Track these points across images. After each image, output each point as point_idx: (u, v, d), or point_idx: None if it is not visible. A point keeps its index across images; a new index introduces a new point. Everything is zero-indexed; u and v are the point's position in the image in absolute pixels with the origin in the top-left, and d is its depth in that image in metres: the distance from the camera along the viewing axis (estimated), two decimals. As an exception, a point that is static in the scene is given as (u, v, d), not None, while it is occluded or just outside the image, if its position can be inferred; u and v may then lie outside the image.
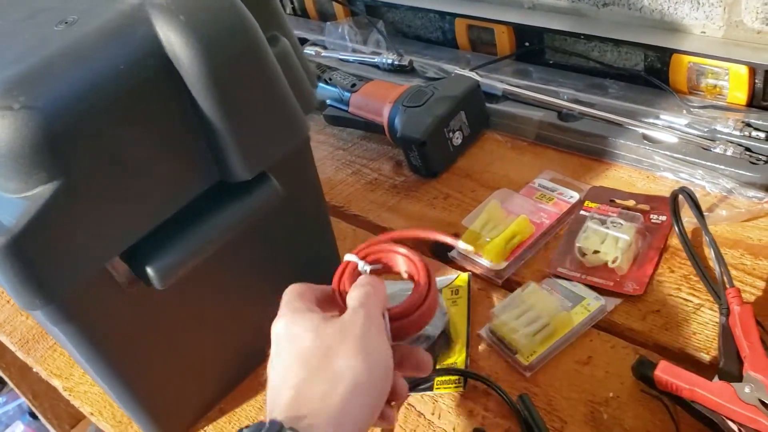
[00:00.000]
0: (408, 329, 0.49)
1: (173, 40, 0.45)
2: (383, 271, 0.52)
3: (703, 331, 0.57)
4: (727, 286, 0.56)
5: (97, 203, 0.45)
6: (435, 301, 0.50)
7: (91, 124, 0.44)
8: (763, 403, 0.48)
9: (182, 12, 0.45)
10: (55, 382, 0.70)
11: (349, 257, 0.51)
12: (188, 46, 0.45)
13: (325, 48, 1.06)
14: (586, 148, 0.76)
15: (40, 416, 1.56)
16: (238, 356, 0.63)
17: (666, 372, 0.51)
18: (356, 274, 0.50)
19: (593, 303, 0.61)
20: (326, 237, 0.66)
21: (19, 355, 0.76)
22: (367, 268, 0.50)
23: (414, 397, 0.59)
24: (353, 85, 0.86)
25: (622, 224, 0.65)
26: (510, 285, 0.65)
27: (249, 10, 0.48)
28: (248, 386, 0.64)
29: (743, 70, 0.72)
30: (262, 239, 0.59)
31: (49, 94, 0.43)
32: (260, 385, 0.63)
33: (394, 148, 0.85)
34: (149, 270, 0.48)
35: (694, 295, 0.60)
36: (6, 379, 1.44)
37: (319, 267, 0.66)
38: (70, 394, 0.68)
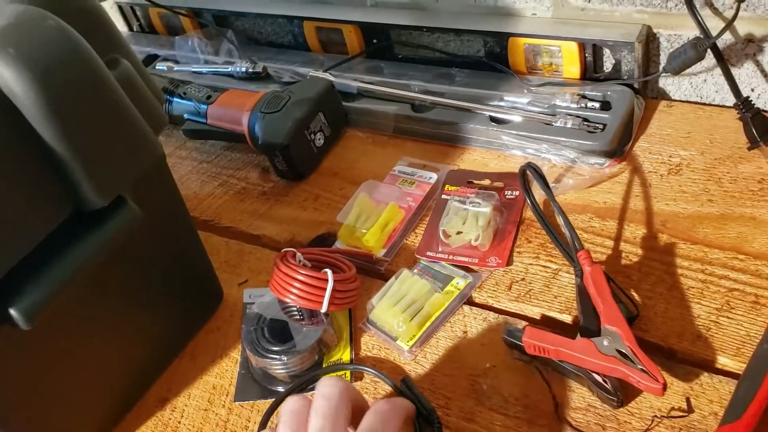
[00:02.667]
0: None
1: (5, 74, 0.44)
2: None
3: (563, 294, 0.62)
4: (578, 248, 0.60)
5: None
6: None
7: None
8: (620, 352, 0.52)
9: (11, 45, 0.44)
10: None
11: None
12: (21, 80, 0.44)
13: (177, 62, 1.04)
14: (440, 136, 0.80)
15: None
16: (123, 382, 0.62)
17: (532, 337, 0.55)
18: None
19: (461, 281, 0.64)
20: (196, 252, 0.66)
21: None
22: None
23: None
24: (209, 97, 0.86)
25: (479, 203, 0.69)
26: (387, 276, 0.67)
27: (83, 35, 0.47)
28: (137, 413, 0.63)
29: (573, 47, 0.78)
30: (130, 262, 0.58)
31: None
32: (149, 409, 0.62)
33: (259, 156, 0.86)
34: (13, 312, 0.47)
35: (551, 262, 0.64)
36: None
37: (194, 283, 0.66)
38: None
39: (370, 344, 0.62)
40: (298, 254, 0.64)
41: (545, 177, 0.66)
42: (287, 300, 0.61)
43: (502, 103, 0.79)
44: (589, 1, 0.77)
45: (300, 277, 0.60)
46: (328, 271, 0.61)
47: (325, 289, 0.60)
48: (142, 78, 0.55)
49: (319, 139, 0.81)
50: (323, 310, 0.61)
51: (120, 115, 0.50)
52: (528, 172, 0.67)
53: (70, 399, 0.58)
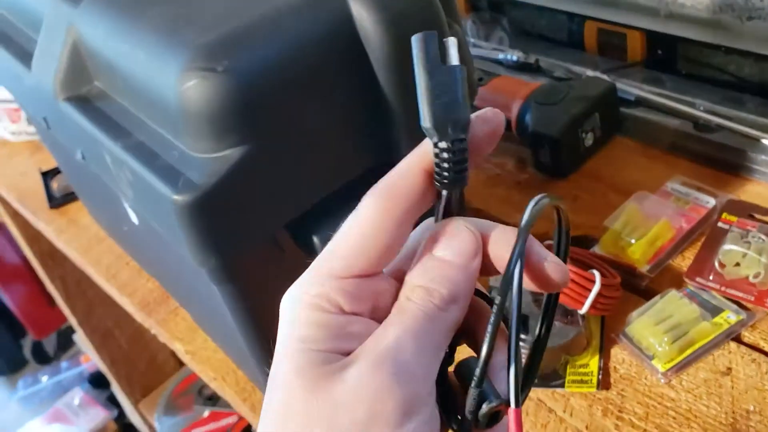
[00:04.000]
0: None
1: (365, 17, 0.46)
2: None
3: None
4: None
5: (277, 170, 0.47)
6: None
7: (284, 92, 0.45)
8: None
9: (376, -9, 0.46)
10: (177, 346, 0.72)
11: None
12: (379, 23, 0.46)
13: (445, 42, 1.06)
14: (722, 161, 0.75)
15: (114, 383, 1.60)
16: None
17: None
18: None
19: (733, 316, 0.60)
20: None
21: (138, 317, 0.78)
22: None
23: (545, 393, 0.59)
24: (480, 79, 0.86)
25: (763, 240, 0.64)
26: (645, 292, 0.65)
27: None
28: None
29: None
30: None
31: (250, 60, 0.44)
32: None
33: (518, 146, 0.85)
34: (315, 239, 0.50)
35: (841, 319, 0.59)
36: (88, 342, 1.49)
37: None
38: (191, 358, 0.70)
39: (620, 357, 0.60)
40: None
41: None
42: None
43: (799, 140, 0.73)
44: None
45: None
46: (596, 273, 0.59)
47: (589, 290, 0.59)
48: (465, 47, 0.56)
49: (588, 140, 0.79)
50: (583, 311, 0.59)
51: (450, 76, 0.51)
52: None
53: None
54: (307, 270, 0.29)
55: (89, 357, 2.00)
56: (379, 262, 0.29)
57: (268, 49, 0.45)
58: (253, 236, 0.48)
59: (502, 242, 0.30)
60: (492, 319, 0.27)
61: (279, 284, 0.53)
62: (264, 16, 0.46)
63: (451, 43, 0.28)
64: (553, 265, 0.29)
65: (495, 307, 0.27)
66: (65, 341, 2.24)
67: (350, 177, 0.51)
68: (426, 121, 0.28)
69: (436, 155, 0.28)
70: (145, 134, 0.50)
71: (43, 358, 2.26)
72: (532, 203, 0.29)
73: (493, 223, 0.31)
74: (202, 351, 0.70)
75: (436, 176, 0.29)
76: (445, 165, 0.28)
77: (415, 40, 0.28)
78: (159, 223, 0.50)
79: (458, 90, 0.28)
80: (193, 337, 0.72)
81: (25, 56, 0.62)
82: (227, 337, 0.62)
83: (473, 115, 0.29)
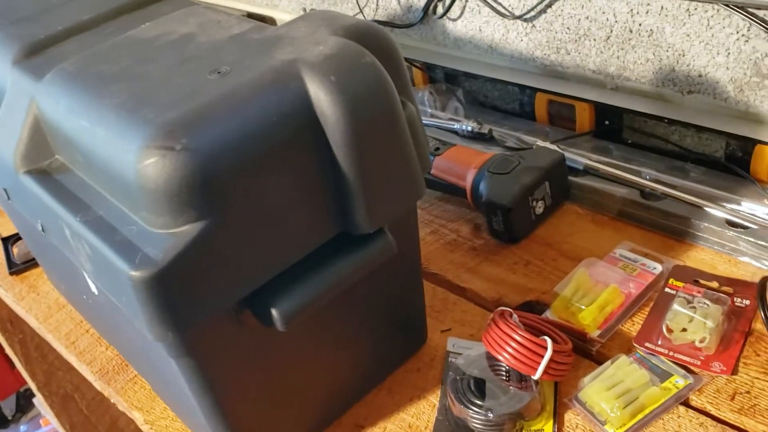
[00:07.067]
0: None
1: (322, 97, 0.48)
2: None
3: (794, 417, 0.58)
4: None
5: (236, 244, 0.48)
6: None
7: (242, 170, 0.47)
8: None
9: (333, 73, 0.49)
10: (136, 415, 0.71)
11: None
12: (336, 105, 0.48)
13: (401, 110, 1.09)
14: (668, 228, 0.78)
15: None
16: (325, 400, 0.64)
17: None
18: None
19: (681, 381, 0.62)
20: (416, 293, 0.68)
21: (97, 385, 0.77)
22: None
23: (501, 459, 0.60)
24: (437, 149, 0.89)
25: (708, 305, 0.66)
26: (595, 357, 0.66)
27: (386, 75, 0.51)
28: (332, 434, 0.65)
29: (828, 165, 0.75)
30: (363, 292, 0.61)
31: (209, 138, 0.46)
32: (344, 434, 0.64)
33: (472, 212, 0.88)
34: (274, 312, 0.50)
35: (783, 381, 0.61)
36: (47, 406, 1.45)
37: (405, 320, 0.69)
38: (151, 428, 0.70)
39: (574, 422, 0.61)
40: (515, 315, 0.65)
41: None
42: (500, 358, 0.62)
43: (739, 208, 0.77)
44: None
45: (518, 338, 0.61)
46: (548, 339, 0.61)
47: (542, 356, 0.60)
48: (419, 123, 0.58)
49: (539, 208, 0.82)
50: (536, 377, 0.61)
51: (404, 152, 0.53)
52: (769, 283, 0.65)
53: (282, 406, 0.61)
54: None
55: (48, 420, 1.94)
56: None
57: (226, 127, 0.46)
58: (211, 310, 0.49)
59: None
60: None
61: (236, 356, 0.54)
62: (223, 95, 0.48)
63: None
64: None
65: None
66: (25, 403, 2.19)
67: (308, 249, 0.52)
68: None
69: None
70: (104, 208, 0.51)
71: (1, 420, 2.20)
72: None
73: None
74: (162, 420, 0.70)
75: None
76: None
77: None
78: (116, 297, 0.51)
79: None
80: (152, 406, 0.71)
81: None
82: (186, 407, 0.62)
83: None
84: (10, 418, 2.21)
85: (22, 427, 2.09)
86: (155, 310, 0.46)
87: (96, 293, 0.65)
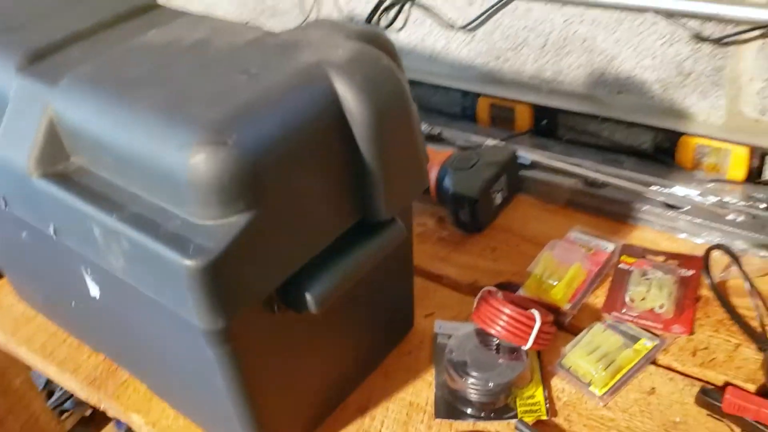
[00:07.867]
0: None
1: (350, 96, 0.53)
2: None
3: (745, 365, 0.67)
4: None
5: (277, 232, 0.51)
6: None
7: (284, 162, 0.50)
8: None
9: (358, 73, 0.53)
10: (134, 417, 0.72)
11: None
12: (363, 103, 0.53)
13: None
14: (612, 212, 0.87)
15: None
16: (331, 386, 0.68)
17: (735, 396, 0.60)
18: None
19: (649, 342, 0.70)
20: (408, 280, 0.73)
21: (83, 394, 0.76)
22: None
23: (500, 425, 0.65)
24: (395, 150, 0.95)
25: (661, 276, 0.75)
26: (568, 328, 0.74)
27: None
28: (337, 418, 0.68)
29: (744, 151, 0.86)
30: (367, 278, 0.65)
31: (254, 134, 0.49)
32: (349, 416, 0.68)
33: (434, 206, 0.94)
34: (308, 296, 0.54)
35: (732, 337, 0.70)
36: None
37: (397, 306, 0.73)
38: (153, 429, 0.70)
39: (560, 386, 0.68)
40: (501, 293, 0.71)
41: (738, 258, 0.73)
42: (493, 332, 0.68)
43: (672, 191, 0.87)
44: (763, 114, 0.86)
45: (509, 312, 0.67)
46: (536, 312, 0.68)
47: (531, 327, 0.67)
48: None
49: (498, 199, 0.89)
50: (527, 347, 0.67)
51: (415, 146, 0.58)
52: (711, 253, 0.74)
53: (298, 393, 0.64)
54: None
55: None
56: None
57: (268, 123, 0.50)
58: (254, 296, 0.52)
59: None
60: None
61: (267, 343, 0.57)
62: (259, 95, 0.51)
63: None
64: None
65: None
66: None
67: (334, 235, 0.56)
68: None
69: None
70: (138, 206, 0.53)
71: None
72: None
73: None
74: (163, 420, 0.70)
75: None
76: None
77: None
78: (156, 290, 0.53)
79: None
80: (150, 408, 0.72)
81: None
82: (204, 400, 0.64)
83: None
84: None
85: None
86: (208, 298, 0.49)
87: (96, 297, 0.66)
